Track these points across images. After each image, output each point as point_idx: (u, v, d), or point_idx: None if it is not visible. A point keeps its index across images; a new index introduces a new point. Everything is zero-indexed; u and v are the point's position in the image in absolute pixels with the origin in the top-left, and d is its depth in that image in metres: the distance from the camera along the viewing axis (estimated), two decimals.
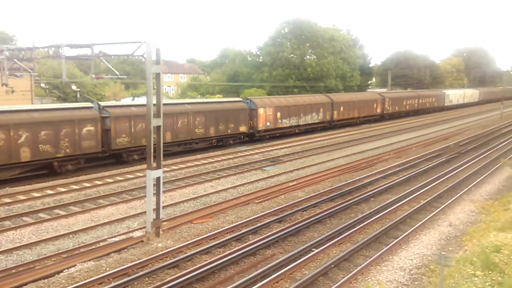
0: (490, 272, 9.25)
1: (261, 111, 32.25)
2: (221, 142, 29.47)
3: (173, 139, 25.72)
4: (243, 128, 30.71)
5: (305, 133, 36.57)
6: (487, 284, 8.51)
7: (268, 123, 33.05)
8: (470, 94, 77.56)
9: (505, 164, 22.05)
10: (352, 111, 43.65)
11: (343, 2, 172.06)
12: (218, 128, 28.71)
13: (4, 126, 18.59)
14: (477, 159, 25.76)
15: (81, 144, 21.20)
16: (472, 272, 9.36)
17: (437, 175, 21.16)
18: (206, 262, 11.18)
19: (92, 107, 22.58)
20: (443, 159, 25.48)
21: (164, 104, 14.71)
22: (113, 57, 19.47)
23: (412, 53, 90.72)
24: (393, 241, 12.77)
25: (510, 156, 26.51)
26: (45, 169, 20.75)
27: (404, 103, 54.99)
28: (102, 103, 23.62)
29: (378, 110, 48.67)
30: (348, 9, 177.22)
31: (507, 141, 33.43)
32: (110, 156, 23.49)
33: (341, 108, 41.90)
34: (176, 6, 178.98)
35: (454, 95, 70.64)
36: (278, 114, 33.92)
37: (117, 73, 20.47)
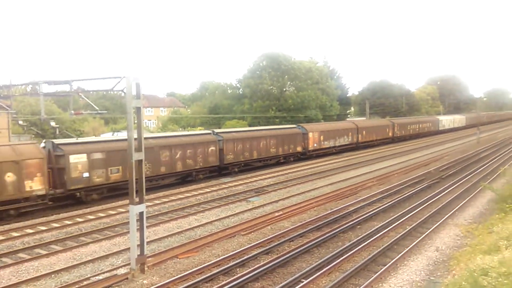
0: None
1: (310, 135, 39.71)
2: (284, 159, 37.36)
3: (255, 157, 33.60)
4: (299, 149, 38.62)
5: (288, 163, 36.75)
6: None
7: (315, 145, 40.59)
8: (458, 119, 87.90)
9: (485, 188, 22.44)
10: (371, 135, 52.50)
11: (320, 35, 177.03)
12: (284, 148, 36.68)
13: (167, 147, 26.14)
14: (458, 183, 26.18)
15: (208, 160, 28.75)
16: None
17: (421, 201, 21.38)
18: None
19: (210, 133, 30.72)
20: (425, 185, 25.82)
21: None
22: (92, 92, 19.40)
23: (387, 83, 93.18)
24: (382, 268, 12.71)
25: (489, 180, 27.04)
26: (188, 177, 28.17)
27: (408, 128, 63.69)
28: (217, 130, 32.28)
29: (390, 134, 57.64)
30: (324, 41, 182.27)
31: (486, 165, 34.16)
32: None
33: (364, 132, 50.49)
34: (155, 40, 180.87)
35: (446, 121, 79.82)
36: (322, 137, 41.67)
37: (97, 108, 20.40)
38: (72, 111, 20.13)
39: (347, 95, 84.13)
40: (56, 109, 54.12)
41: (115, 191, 23.50)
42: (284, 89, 66.53)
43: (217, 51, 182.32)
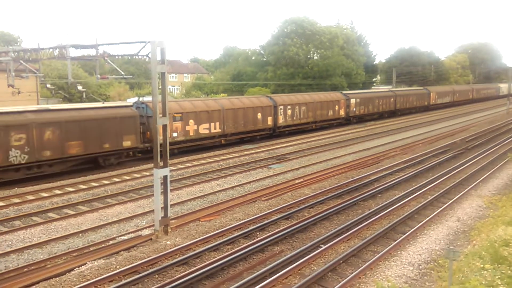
0: (499, 265, 9.25)
1: (352, 101, 41.62)
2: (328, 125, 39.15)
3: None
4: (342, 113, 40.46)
5: (311, 131, 36.59)
6: (497, 277, 8.51)
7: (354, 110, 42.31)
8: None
9: None
10: (446, 97, 63.61)
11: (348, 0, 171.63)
12: (329, 114, 38.63)
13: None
14: (484, 154, 25.66)
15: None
16: (481, 266, 9.36)
17: (444, 171, 21.11)
18: (215, 259, 11.24)
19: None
20: (450, 155, 25.41)
21: None
22: (117, 57, 19.51)
23: (416, 50, 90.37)
24: (401, 237, 12.77)
25: None
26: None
27: (469, 95, 74.74)
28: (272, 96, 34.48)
29: (430, 102, 59.80)
30: (352, 6, 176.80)
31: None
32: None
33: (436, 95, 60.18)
34: (179, 5, 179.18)
35: (504, 87, 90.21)
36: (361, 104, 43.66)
37: (122, 73, 20.59)
38: (99, 76, 20.40)
39: (374, 63, 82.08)
40: (83, 73, 54.95)
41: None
42: (309, 56, 65.39)
43: (241, 16, 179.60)
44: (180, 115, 25.79)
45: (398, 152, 27.09)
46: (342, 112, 40.62)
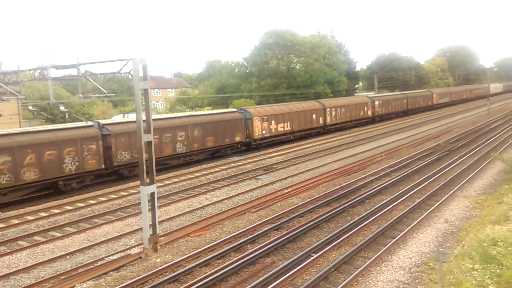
0: (488, 265, 9.34)
1: (328, 110, 41.14)
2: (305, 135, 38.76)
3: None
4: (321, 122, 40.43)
5: (296, 140, 36.72)
6: (486, 276, 8.59)
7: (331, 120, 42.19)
8: (498, 86, 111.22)
9: (496, 158, 22.31)
10: (445, 97, 71.17)
11: (326, 8, 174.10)
12: (306, 123, 38.34)
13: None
14: (468, 155, 26.04)
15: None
16: (471, 266, 9.45)
17: (430, 173, 21.35)
18: (206, 274, 11.13)
19: (235, 111, 32.08)
20: (435, 157, 25.73)
21: None
22: (99, 75, 19.44)
23: (396, 55, 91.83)
24: (391, 241, 12.83)
25: (500, 150, 26.84)
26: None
27: (464, 95, 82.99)
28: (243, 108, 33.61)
29: (433, 102, 67.22)
30: (331, 14, 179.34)
31: (496, 136, 33.86)
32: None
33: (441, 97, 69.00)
34: (160, 21, 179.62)
35: (494, 87, 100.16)
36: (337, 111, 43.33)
37: (105, 91, 20.46)
38: (81, 95, 20.21)
39: (355, 70, 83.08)
40: (65, 93, 54.52)
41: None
42: (291, 66, 65.94)
43: (223, 29, 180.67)
44: (266, 117, 33.30)
45: (384, 157, 27.34)
46: (369, 113, 48.02)
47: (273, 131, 33.84)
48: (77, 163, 20.72)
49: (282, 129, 34.73)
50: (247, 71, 68.35)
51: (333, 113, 41.56)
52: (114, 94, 26.72)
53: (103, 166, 21.96)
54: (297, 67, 66.35)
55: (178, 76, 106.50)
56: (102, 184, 22.68)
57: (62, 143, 20.24)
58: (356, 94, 71.99)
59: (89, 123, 23.22)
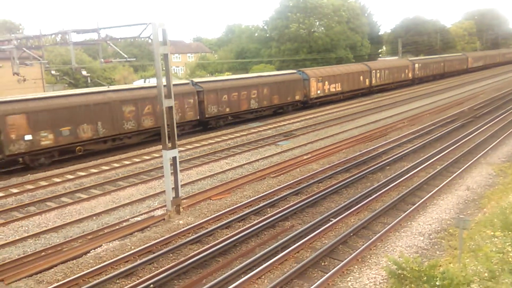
0: (509, 232, 9.30)
1: (373, 72, 43.60)
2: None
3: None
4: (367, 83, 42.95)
5: (318, 106, 36.47)
6: (507, 244, 8.57)
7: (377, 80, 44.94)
8: None
9: None
10: (480, 61, 72.64)
11: None
12: (355, 84, 41.23)
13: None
14: (492, 122, 25.46)
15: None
16: (492, 233, 9.43)
17: (453, 140, 21.02)
18: (227, 236, 11.44)
19: (295, 72, 36.06)
20: (458, 124, 25.25)
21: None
22: (120, 40, 19.41)
23: (421, 19, 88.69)
24: (410, 208, 12.86)
25: None
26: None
27: (497, 59, 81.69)
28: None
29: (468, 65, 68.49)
30: None
31: None
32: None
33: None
34: None
35: None
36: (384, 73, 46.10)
37: (125, 56, 20.46)
38: (102, 60, 20.32)
39: (379, 34, 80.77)
40: (87, 58, 54.76)
41: None
42: (313, 30, 64.52)
43: None
44: (321, 78, 36.37)
45: (406, 124, 26.96)
46: (410, 75, 50.55)
47: (326, 91, 37.49)
48: (180, 114, 24.82)
49: (334, 89, 38.42)
50: (267, 35, 67.23)
51: (378, 75, 44.39)
52: (134, 59, 26.81)
53: (198, 117, 26.48)
54: (319, 30, 64.87)
55: (198, 40, 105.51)
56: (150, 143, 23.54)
57: None
58: (379, 58, 70.27)
59: (184, 81, 28.44)
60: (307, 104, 35.58)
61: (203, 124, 27.78)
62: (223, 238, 11.33)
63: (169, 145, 13.22)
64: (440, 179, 15.64)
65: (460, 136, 21.89)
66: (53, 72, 27.24)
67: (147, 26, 13.61)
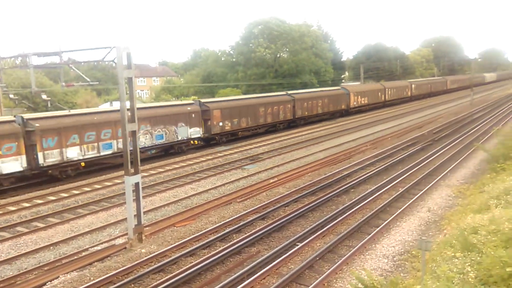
0: (469, 253, 9.49)
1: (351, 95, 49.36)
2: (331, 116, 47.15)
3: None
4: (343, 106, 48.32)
5: (281, 130, 36.84)
6: (467, 264, 8.73)
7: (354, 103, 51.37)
8: (493, 76, 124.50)
9: (478, 148, 22.64)
10: (455, 84, 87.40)
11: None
12: (331, 106, 46.03)
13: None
14: (451, 145, 26.39)
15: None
16: (452, 254, 9.59)
17: (414, 163, 21.60)
18: (192, 264, 11.14)
19: (340, 88, 49.02)
20: (418, 147, 26.02)
21: None
22: (82, 63, 19.17)
23: (382, 46, 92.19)
24: (375, 230, 12.99)
25: (482, 140, 27.25)
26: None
27: (467, 82, 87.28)
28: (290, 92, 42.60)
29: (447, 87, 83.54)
30: (318, 3, 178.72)
31: (479, 126, 34.35)
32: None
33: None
34: (145, 7, 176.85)
35: (489, 76, 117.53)
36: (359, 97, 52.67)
37: (88, 79, 20.11)
38: (63, 83, 19.86)
39: (341, 60, 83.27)
40: (47, 81, 53.42)
41: None
42: (278, 55, 65.75)
43: (210, 17, 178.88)
44: (356, 93, 49.29)
45: (369, 147, 27.55)
46: (382, 98, 56.52)
47: (359, 102, 49.75)
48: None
49: (363, 102, 50.84)
50: (234, 60, 67.92)
51: (389, 92, 56.06)
52: (97, 83, 26.40)
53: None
54: (284, 55, 66.17)
55: (164, 64, 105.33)
56: (87, 175, 22.43)
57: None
58: (342, 83, 72.18)
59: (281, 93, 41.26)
60: (348, 112, 47.37)
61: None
62: (187, 266, 11.02)
63: (132, 170, 12.91)
64: (402, 201, 15.95)
65: (420, 159, 22.54)
66: (11, 95, 26.34)
67: (112, 49, 13.45)
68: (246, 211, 15.34)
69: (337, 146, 28.36)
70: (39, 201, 17.84)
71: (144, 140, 24.45)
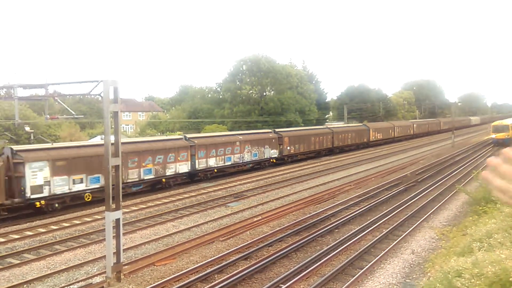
0: None
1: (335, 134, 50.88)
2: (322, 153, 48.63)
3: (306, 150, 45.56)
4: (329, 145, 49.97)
5: (267, 168, 36.86)
6: None
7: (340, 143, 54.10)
8: (477, 119, 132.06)
9: (460, 191, 22.89)
10: (446, 125, 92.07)
11: (299, 39, 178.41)
12: (319, 145, 47.69)
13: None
14: (433, 186, 26.66)
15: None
16: None
17: (397, 204, 21.70)
18: None
19: (362, 125, 58.17)
20: (402, 188, 26.22)
21: None
22: (68, 97, 19.14)
23: (365, 87, 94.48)
24: (359, 272, 12.83)
25: (464, 183, 27.62)
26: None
27: (455, 124, 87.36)
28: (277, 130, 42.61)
29: (440, 127, 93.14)
30: (303, 45, 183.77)
31: (461, 168, 34.90)
32: None
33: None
34: (133, 43, 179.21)
35: (474, 119, 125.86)
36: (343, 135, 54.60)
37: (73, 112, 20.02)
38: (48, 116, 19.70)
39: (326, 100, 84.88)
40: (31, 113, 52.86)
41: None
42: (265, 93, 66.78)
43: (197, 54, 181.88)
44: (375, 129, 59.24)
45: (353, 186, 27.65)
46: (365, 140, 58.20)
47: (376, 137, 58.04)
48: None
49: (379, 137, 59.64)
50: (220, 96, 68.67)
51: (340, 137, 54.14)
52: (82, 116, 26.29)
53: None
54: (270, 94, 67.26)
55: (150, 99, 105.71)
56: (67, 209, 21.84)
57: None
58: (326, 123, 73.27)
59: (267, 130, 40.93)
60: (368, 145, 55.99)
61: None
62: None
63: (113, 206, 12.65)
64: (386, 242, 15.88)
65: (403, 200, 22.66)
66: None
67: (99, 83, 13.49)
68: (229, 251, 15.04)
69: (321, 185, 28.39)
70: (15, 236, 17.27)
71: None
